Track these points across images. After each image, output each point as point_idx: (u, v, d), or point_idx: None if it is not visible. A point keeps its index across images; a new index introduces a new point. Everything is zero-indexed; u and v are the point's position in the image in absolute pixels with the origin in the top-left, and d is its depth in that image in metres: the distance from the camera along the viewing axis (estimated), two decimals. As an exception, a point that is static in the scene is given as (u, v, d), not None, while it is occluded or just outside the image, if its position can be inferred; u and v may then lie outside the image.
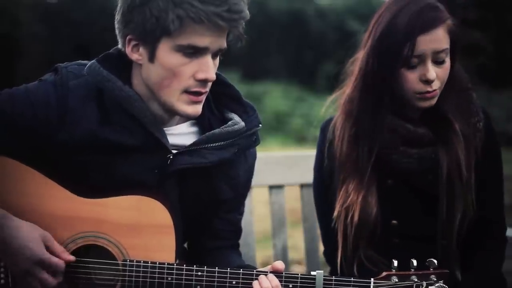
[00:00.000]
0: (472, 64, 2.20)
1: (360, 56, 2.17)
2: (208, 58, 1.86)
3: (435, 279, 1.92)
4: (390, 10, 2.10)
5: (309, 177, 2.80)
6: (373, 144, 2.13)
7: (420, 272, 1.93)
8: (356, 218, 2.12)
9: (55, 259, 1.80)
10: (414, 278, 1.92)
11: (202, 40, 1.83)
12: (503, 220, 2.28)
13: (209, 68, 1.86)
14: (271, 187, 2.79)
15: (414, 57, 2.05)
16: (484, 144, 2.21)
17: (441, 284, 1.92)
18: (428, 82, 2.06)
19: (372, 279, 1.91)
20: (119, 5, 1.89)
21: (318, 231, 2.80)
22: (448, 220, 2.16)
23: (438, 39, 2.06)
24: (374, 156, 2.13)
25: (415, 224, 2.18)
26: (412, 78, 2.07)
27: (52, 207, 1.87)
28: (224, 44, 1.88)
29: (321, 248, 2.81)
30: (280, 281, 1.87)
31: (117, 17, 1.90)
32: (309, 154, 2.89)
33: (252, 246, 2.74)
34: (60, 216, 1.86)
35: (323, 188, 2.30)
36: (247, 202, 2.72)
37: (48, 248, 1.81)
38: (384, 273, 1.92)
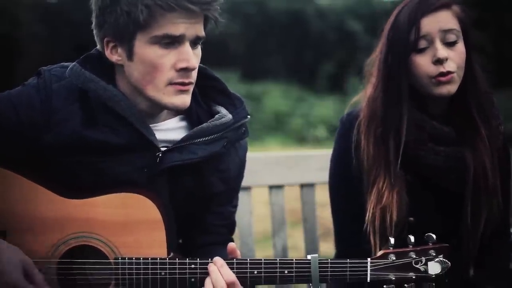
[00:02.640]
0: (480, 65, 2.21)
1: (376, 56, 2.19)
2: (186, 47, 1.85)
3: (434, 254, 1.88)
4: (398, 8, 2.15)
5: (309, 177, 2.81)
6: (399, 140, 2.12)
7: (419, 248, 1.88)
8: (395, 217, 2.10)
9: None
10: (413, 255, 1.88)
11: (176, 28, 1.82)
12: (508, 221, 2.30)
13: (189, 56, 1.85)
14: (271, 187, 2.79)
15: (421, 38, 2.07)
16: (502, 146, 2.23)
17: (441, 259, 1.88)
18: (439, 61, 2.06)
19: (369, 259, 1.88)
20: (93, 10, 1.89)
21: (318, 231, 2.81)
22: (473, 223, 2.16)
23: (443, 19, 2.08)
24: (402, 152, 2.12)
25: (430, 222, 2.17)
26: (424, 61, 2.08)
27: (42, 210, 1.86)
28: (201, 31, 1.87)
29: (321, 248, 2.81)
30: (275, 268, 1.86)
31: (93, 21, 1.90)
32: (309, 154, 2.90)
33: (252, 246, 2.74)
34: (50, 218, 1.86)
35: (341, 183, 2.28)
36: (247, 202, 2.74)
37: (27, 275, 1.79)
38: (381, 252, 1.90)
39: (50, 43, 10.97)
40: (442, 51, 2.06)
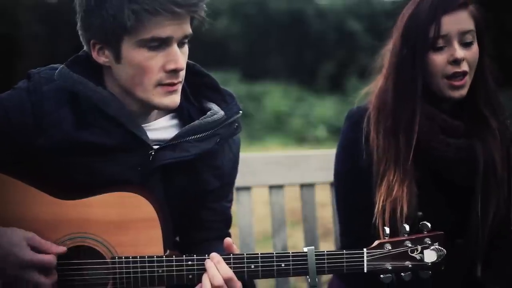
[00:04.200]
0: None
1: (388, 49, 2.20)
2: (174, 48, 1.84)
3: (429, 242, 1.91)
4: (415, 1, 2.15)
5: (309, 177, 2.81)
6: (412, 135, 2.12)
7: (414, 237, 1.91)
8: (405, 210, 2.10)
9: (42, 257, 1.79)
10: (408, 244, 1.90)
11: (163, 30, 1.81)
12: (509, 219, 2.29)
13: (177, 57, 1.84)
14: (271, 187, 2.79)
15: (440, 38, 2.09)
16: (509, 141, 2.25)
17: (437, 247, 1.90)
18: (456, 62, 2.08)
19: (364, 249, 1.90)
20: (77, 11, 1.88)
21: (318, 231, 2.81)
22: (482, 216, 2.17)
23: (462, 20, 2.10)
24: (414, 145, 2.12)
25: (438, 218, 2.17)
26: (440, 60, 2.10)
27: (37, 213, 1.86)
28: (188, 30, 1.86)
29: (321, 248, 2.81)
30: (272, 261, 1.87)
31: (78, 23, 1.89)
32: (309, 154, 2.90)
33: (252, 246, 2.74)
34: (45, 220, 1.86)
35: (349, 175, 2.27)
36: (247, 202, 2.74)
37: (35, 248, 1.80)
38: (376, 242, 1.91)
39: (50, 43, 10.97)
40: (460, 52, 2.08)
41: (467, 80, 2.11)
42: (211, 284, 1.82)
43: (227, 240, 1.89)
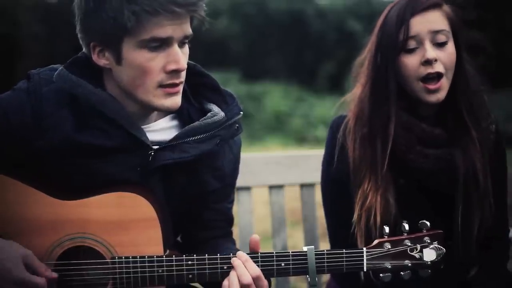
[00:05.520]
0: (472, 65, 2.18)
1: (366, 56, 2.17)
2: (175, 48, 1.84)
3: (429, 241, 1.91)
4: (388, 7, 2.13)
5: (309, 177, 2.81)
6: (387, 141, 2.11)
7: (413, 236, 1.91)
8: (379, 219, 2.09)
9: (34, 279, 1.77)
10: (408, 243, 1.90)
11: (164, 30, 1.80)
12: (507, 221, 2.28)
13: (178, 58, 1.84)
14: (271, 187, 2.79)
15: (410, 39, 2.05)
16: (494, 146, 2.21)
17: (436, 245, 1.91)
18: (428, 62, 2.04)
19: (364, 248, 1.90)
20: (76, 14, 1.87)
21: (318, 231, 2.81)
22: (465, 225, 2.15)
23: (433, 20, 2.06)
24: (389, 154, 2.10)
25: None
26: (412, 62, 2.06)
27: (36, 213, 1.86)
28: (188, 30, 1.85)
29: (321, 248, 2.81)
30: (272, 261, 1.87)
31: (77, 26, 1.88)
32: (309, 154, 2.90)
33: (252, 246, 2.74)
34: (45, 221, 1.85)
35: (332, 186, 2.27)
36: (247, 202, 2.74)
37: (30, 267, 1.78)
38: (376, 241, 1.91)
39: (50, 43, 10.98)
40: (431, 52, 2.04)
41: (444, 83, 2.07)
42: (240, 282, 1.82)
43: (255, 237, 1.89)
